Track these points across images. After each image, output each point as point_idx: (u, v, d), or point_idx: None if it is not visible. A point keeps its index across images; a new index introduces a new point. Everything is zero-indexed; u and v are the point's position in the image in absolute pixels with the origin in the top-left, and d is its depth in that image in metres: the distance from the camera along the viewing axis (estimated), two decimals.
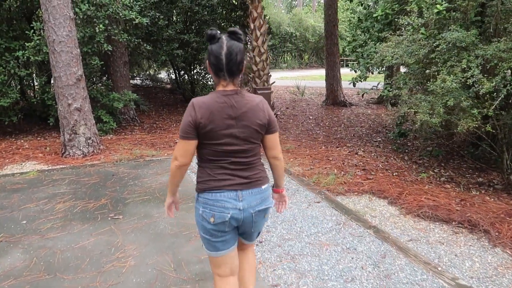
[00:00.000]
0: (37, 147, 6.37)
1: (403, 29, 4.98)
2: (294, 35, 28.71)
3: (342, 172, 4.96)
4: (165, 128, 8.53)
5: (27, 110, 8.86)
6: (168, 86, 15.66)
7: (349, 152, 6.17)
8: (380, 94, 11.98)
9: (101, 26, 6.34)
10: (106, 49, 6.63)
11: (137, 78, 16.04)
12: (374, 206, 3.94)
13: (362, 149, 6.53)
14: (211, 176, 1.79)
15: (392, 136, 6.62)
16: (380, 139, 7.63)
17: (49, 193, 4.40)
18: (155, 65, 14.90)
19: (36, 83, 8.20)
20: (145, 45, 7.82)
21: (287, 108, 11.49)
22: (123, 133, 7.80)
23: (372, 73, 6.52)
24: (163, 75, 16.85)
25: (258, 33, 8.94)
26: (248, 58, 12.87)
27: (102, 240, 3.26)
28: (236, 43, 1.70)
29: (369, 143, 7.16)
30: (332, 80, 11.44)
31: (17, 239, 3.32)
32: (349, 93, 14.26)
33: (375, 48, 5.12)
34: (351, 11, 32.82)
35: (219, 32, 1.72)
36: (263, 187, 1.86)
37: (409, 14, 4.78)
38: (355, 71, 6.22)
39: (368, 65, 5.36)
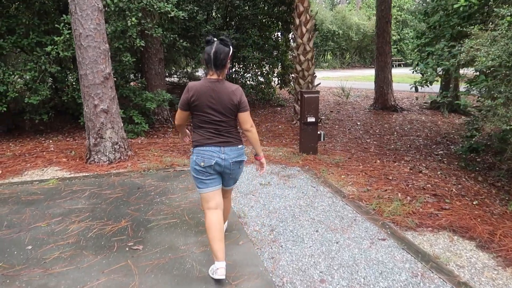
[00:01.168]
0: (62, 150, 5.92)
1: (491, 23, 4.02)
2: (336, 33, 27.54)
3: (408, 198, 4.09)
4: None
5: (61, 107, 8.55)
6: None
7: (410, 169, 5.25)
8: (437, 99, 10.82)
9: (133, 19, 5.77)
10: (138, 44, 6.06)
11: (174, 75, 15.65)
12: (459, 250, 3.06)
13: (424, 165, 5.60)
14: (202, 137, 2.57)
15: (461, 151, 5.63)
16: (441, 151, 6.64)
17: (65, 208, 3.84)
18: (192, 63, 14.43)
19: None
20: (181, 41, 7.22)
21: (331, 111, 10.60)
22: (155, 136, 7.26)
23: (441, 77, 5.55)
24: (201, 73, 16.39)
25: (304, 30, 8.13)
26: (290, 57, 12.07)
27: (114, 282, 2.62)
28: (222, 47, 2.46)
29: (430, 157, 6.19)
30: (382, 82, 10.43)
31: (17, 272, 2.74)
32: (399, 97, 13.15)
33: (456, 47, 4.20)
34: (398, 8, 31.14)
35: (214, 38, 2.50)
36: (239, 146, 2.64)
37: (501, 4, 3.84)
38: (422, 74, 5.28)
39: (442, 66, 4.42)
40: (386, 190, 4.33)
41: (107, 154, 5.18)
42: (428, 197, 4.09)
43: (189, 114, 2.59)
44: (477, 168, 5.43)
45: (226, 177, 2.69)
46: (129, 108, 7.22)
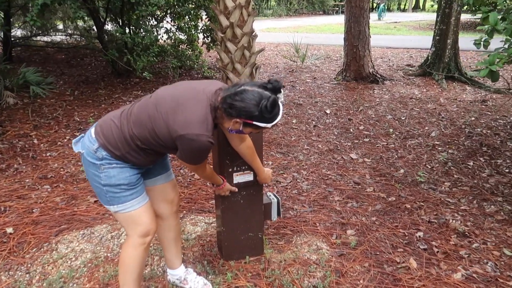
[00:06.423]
0: None
1: None
2: None
3: None
4: (45, 149, 4.06)
5: None
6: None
7: None
8: (427, 64, 7.62)
9: None
10: None
11: (60, 33, 11.07)
12: None
13: None
14: None
15: None
16: (493, 181, 3.48)
17: None
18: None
19: None
20: None
21: (283, 87, 7.06)
22: None
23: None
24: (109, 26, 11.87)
25: None
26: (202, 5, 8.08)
27: None
28: (252, 97, 1.69)
29: (490, 218, 2.99)
30: (357, 40, 6.96)
31: None
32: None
33: None
34: None
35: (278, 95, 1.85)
36: None
37: None
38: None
39: None
40: None
41: None
42: None
43: None
44: None
45: None
46: None
